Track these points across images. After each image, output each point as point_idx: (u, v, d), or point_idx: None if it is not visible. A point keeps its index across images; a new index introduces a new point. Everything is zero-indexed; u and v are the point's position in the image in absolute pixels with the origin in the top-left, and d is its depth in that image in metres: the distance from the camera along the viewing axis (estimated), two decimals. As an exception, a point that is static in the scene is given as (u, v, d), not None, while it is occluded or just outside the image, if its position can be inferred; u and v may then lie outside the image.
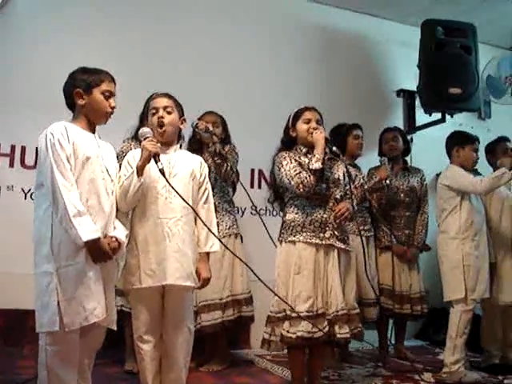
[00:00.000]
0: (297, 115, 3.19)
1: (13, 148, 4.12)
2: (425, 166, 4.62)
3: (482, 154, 4.22)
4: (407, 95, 5.58)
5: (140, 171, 2.58)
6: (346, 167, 3.20)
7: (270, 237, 3.41)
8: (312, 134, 3.08)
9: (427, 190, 4.42)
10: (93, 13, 4.39)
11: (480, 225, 3.83)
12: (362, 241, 3.48)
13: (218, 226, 3.13)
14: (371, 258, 4.09)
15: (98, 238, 2.34)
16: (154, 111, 2.81)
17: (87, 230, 2.30)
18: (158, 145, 2.64)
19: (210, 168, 3.46)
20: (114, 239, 2.46)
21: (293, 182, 2.99)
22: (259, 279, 2.80)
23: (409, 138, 4.96)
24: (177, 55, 4.59)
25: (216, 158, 3.58)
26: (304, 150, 3.15)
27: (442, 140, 4.08)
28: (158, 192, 2.68)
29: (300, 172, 2.99)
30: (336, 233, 3.05)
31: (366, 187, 3.98)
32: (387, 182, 4.03)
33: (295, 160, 3.09)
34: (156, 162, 2.59)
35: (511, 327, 4.07)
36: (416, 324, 4.96)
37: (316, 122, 3.13)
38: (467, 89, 4.74)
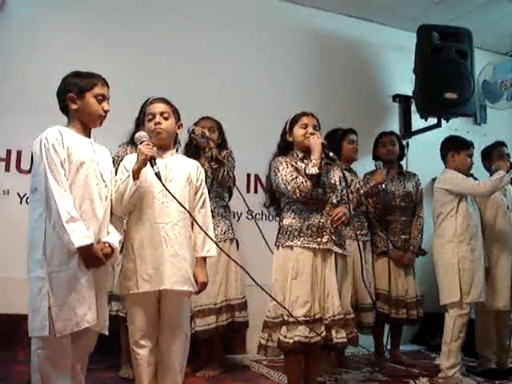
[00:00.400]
0: (294, 120, 3.20)
1: (8, 152, 4.12)
2: (420, 170, 4.62)
3: (477, 158, 4.24)
4: (403, 100, 5.60)
5: (136, 175, 2.58)
6: (343, 172, 3.21)
7: (266, 242, 3.41)
8: (309, 139, 3.08)
9: (422, 194, 4.43)
10: (91, 17, 4.39)
11: (475, 229, 3.84)
12: (358, 246, 3.48)
13: (213, 231, 3.13)
14: (368, 263, 4.09)
15: (91, 244, 2.34)
16: (150, 117, 2.81)
17: (80, 235, 2.29)
18: (155, 149, 2.64)
19: (206, 173, 3.47)
20: (107, 245, 2.46)
21: (289, 187, 2.99)
22: (257, 283, 2.78)
23: (405, 142, 5.00)
24: (174, 60, 4.59)
25: (212, 163, 3.58)
26: (300, 155, 3.15)
27: (437, 145, 4.08)
28: (155, 196, 2.68)
29: (296, 177, 2.99)
30: (333, 237, 3.05)
31: (361, 192, 3.98)
32: (383, 186, 4.04)
33: (292, 165, 3.09)
34: (152, 166, 2.58)
35: (505, 332, 4.07)
36: (412, 329, 4.96)
37: (313, 127, 3.14)
38: (463, 94, 4.76)
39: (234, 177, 3.78)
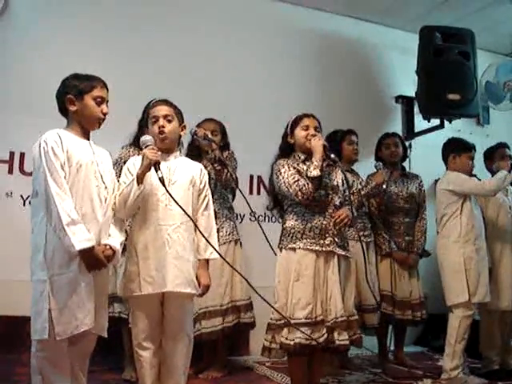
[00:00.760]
0: (295, 122, 3.19)
1: (12, 154, 4.13)
2: (423, 171, 4.62)
3: (480, 159, 4.24)
4: (406, 101, 5.60)
5: (140, 179, 2.58)
6: (344, 173, 3.21)
7: (269, 243, 3.41)
8: (310, 140, 3.08)
9: (425, 195, 4.42)
10: (93, 19, 4.41)
11: (480, 229, 3.85)
12: (362, 247, 3.48)
13: (218, 233, 3.13)
14: (372, 264, 4.09)
15: (92, 247, 2.35)
16: (154, 120, 2.81)
17: (81, 238, 2.30)
18: (159, 153, 2.64)
19: (209, 174, 3.47)
20: (108, 247, 2.46)
21: (291, 190, 2.99)
22: (254, 290, 2.83)
23: (407, 143, 4.98)
24: (176, 62, 4.60)
25: (216, 165, 3.58)
26: (302, 157, 3.14)
27: (440, 146, 4.09)
28: (159, 199, 2.68)
29: (298, 179, 2.99)
30: (336, 239, 3.04)
31: (362, 193, 3.98)
32: (384, 186, 4.03)
33: (293, 167, 3.08)
34: (156, 171, 2.58)
35: (509, 333, 4.07)
36: (415, 330, 4.95)
37: (314, 128, 3.13)
38: (466, 95, 4.75)
39: (236, 178, 3.78)
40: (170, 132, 2.78)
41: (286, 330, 2.98)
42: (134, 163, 2.72)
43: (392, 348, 4.32)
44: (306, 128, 3.13)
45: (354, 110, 5.14)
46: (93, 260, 2.36)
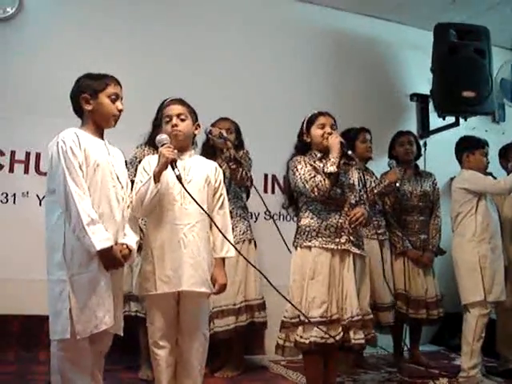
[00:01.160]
0: (311, 120, 3.19)
1: (28, 155, 4.16)
2: (439, 169, 4.59)
3: (496, 156, 4.21)
4: (420, 99, 5.56)
5: (157, 177, 2.58)
6: (362, 172, 3.20)
7: (285, 242, 3.41)
8: (327, 138, 3.08)
9: (439, 193, 4.40)
10: (105, 19, 4.43)
11: (495, 228, 3.81)
12: (379, 245, 3.46)
13: (232, 232, 3.12)
14: (386, 262, 4.07)
15: (111, 246, 2.35)
16: (167, 119, 2.81)
17: (101, 238, 2.30)
18: (175, 151, 2.64)
19: (224, 173, 3.47)
20: (124, 246, 2.47)
21: (307, 186, 2.99)
22: (273, 287, 2.77)
23: (422, 142, 4.97)
24: (190, 61, 4.61)
25: (231, 164, 3.57)
26: (319, 155, 3.14)
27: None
28: (174, 198, 2.68)
29: (315, 176, 2.99)
30: (351, 238, 3.03)
31: (375, 191, 3.97)
32: (397, 185, 4.01)
33: (310, 164, 3.08)
34: (173, 169, 2.58)
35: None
36: (431, 329, 4.92)
37: (330, 126, 3.13)
38: (481, 92, 4.72)
39: (251, 177, 3.78)
40: (183, 130, 2.78)
41: (300, 328, 2.98)
42: (150, 162, 2.73)
43: (408, 347, 4.29)
44: (322, 126, 3.13)
45: (368, 108, 5.12)
46: (111, 259, 2.37)
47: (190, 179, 2.72)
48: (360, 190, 3.19)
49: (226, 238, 2.73)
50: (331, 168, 2.95)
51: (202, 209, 2.64)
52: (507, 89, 5.66)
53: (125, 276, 2.72)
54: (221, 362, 3.82)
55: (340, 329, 2.96)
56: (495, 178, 3.99)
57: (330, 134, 3.09)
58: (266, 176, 4.82)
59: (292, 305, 2.97)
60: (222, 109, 4.02)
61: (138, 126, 3.55)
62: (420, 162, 4.55)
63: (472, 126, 5.22)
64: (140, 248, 2.74)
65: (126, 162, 2.83)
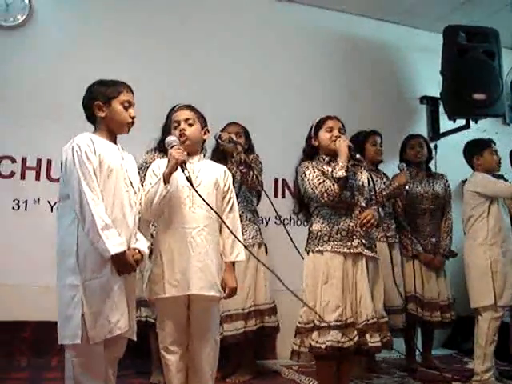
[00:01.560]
0: (319, 124, 3.19)
1: (39, 161, 4.18)
2: (449, 172, 4.57)
3: (507, 158, 4.18)
4: (431, 102, 5.55)
5: (167, 179, 2.58)
6: (370, 174, 3.19)
7: (295, 246, 3.39)
8: (335, 142, 3.07)
9: (451, 195, 4.38)
10: (116, 26, 4.46)
11: (507, 231, 3.80)
12: (388, 247, 3.45)
13: (242, 236, 3.12)
14: (396, 265, 4.05)
15: (124, 251, 2.36)
16: (175, 124, 2.81)
17: (115, 242, 2.31)
18: (185, 153, 2.65)
19: (234, 178, 3.47)
20: (136, 251, 2.47)
21: (317, 192, 2.98)
22: (288, 289, 2.73)
23: (433, 144, 4.95)
24: (199, 66, 4.62)
25: (241, 167, 3.57)
26: (327, 159, 3.14)
27: (466, 146, 4.05)
28: (182, 202, 2.68)
29: (324, 181, 2.99)
30: (363, 241, 3.03)
31: (384, 193, 3.95)
32: (407, 187, 3.99)
33: (318, 169, 3.08)
34: (183, 170, 2.58)
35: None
36: (444, 332, 4.89)
37: (338, 130, 3.13)
38: (491, 94, 4.69)
39: (261, 181, 3.78)
40: (191, 135, 2.78)
41: (316, 333, 2.97)
42: (159, 165, 2.73)
43: (420, 350, 4.27)
44: (330, 130, 3.13)
45: (378, 111, 5.11)
46: (124, 264, 2.37)
47: (199, 183, 2.71)
48: (370, 192, 3.18)
49: (237, 238, 2.73)
50: (340, 173, 2.95)
51: (213, 210, 2.64)
52: (518, 91, 5.64)
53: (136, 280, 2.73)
54: (232, 367, 3.82)
55: (355, 332, 2.95)
56: (507, 180, 3.96)
57: (337, 137, 3.09)
58: (276, 180, 4.82)
59: (308, 307, 2.97)
60: (233, 114, 4.01)
61: (148, 131, 3.55)
62: (431, 165, 4.53)
63: (482, 128, 5.19)
64: (151, 253, 2.75)
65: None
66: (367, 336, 2.96)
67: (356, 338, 2.93)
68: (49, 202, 4.12)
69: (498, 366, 3.95)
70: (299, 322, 3.06)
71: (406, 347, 4.27)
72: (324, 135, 3.14)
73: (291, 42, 5.04)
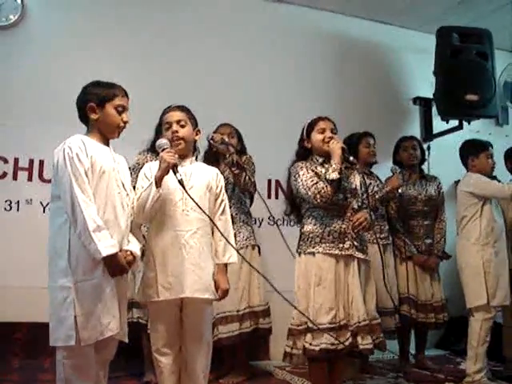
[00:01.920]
0: (310, 126, 3.19)
1: (31, 162, 4.16)
2: (443, 173, 4.58)
3: (500, 159, 4.19)
4: (423, 103, 5.55)
5: (159, 182, 2.57)
6: (363, 176, 3.19)
7: (288, 247, 3.39)
8: (328, 143, 3.07)
9: (444, 197, 4.39)
10: (107, 26, 4.45)
11: (500, 231, 3.80)
12: (379, 249, 3.45)
13: (235, 238, 3.11)
14: (389, 267, 4.06)
15: (116, 253, 2.35)
16: (167, 126, 2.81)
17: (106, 244, 2.30)
18: (176, 156, 2.64)
19: (227, 179, 3.47)
20: (128, 253, 2.46)
21: (310, 193, 2.98)
22: (278, 293, 2.76)
23: (426, 145, 4.95)
24: (191, 67, 4.61)
25: (234, 169, 3.56)
26: (320, 160, 3.13)
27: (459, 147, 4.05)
28: (175, 204, 2.68)
29: (317, 182, 2.98)
30: (355, 243, 3.03)
31: (377, 196, 3.95)
32: (400, 191, 3.99)
33: (312, 170, 3.08)
34: (175, 173, 2.58)
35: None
36: (437, 333, 4.90)
37: (331, 131, 3.13)
38: (484, 95, 4.70)
39: (254, 182, 3.78)
40: (184, 136, 2.78)
41: (309, 335, 2.97)
42: (151, 168, 2.73)
43: (413, 351, 4.27)
44: (322, 131, 3.12)
45: (371, 112, 5.12)
46: (116, 266, 2.36)
47: (192, 186, 2.71)
48: (362, 194, 3.18)
49: (229, 242, 2.73)
50: (333, 175, 2.94)
51: (205, 213, 2.64)
52: (510, 91, 5.65)
53: (128, 282, 2.72)
54: (226, 368, 3.81)
55: (348, 334, 2.96)
56: (499, 181, 3.97)
57: (330, 138, 3.08)
58: (269, 181, 4.81)
59: (300, 312, 2.96)
60: (223, 115, 4.02)
61: (141, 132, 3.53)
62: (424, 166, 4.54)
63: (475, 129, 5.20)
64: (143, 254, 2.74)
65: (128, 168, 2.83)
66: (359, 338, 2.96)
67: (349, 340, 2.93)
68: (41, 203, 4.11)
69: (490, 367, 3.96)
70: (291, 324, 3.06)
71: (399, 349, 4.27)
72: (316, 137, 3.14)
73: (283, 43, 5.03)
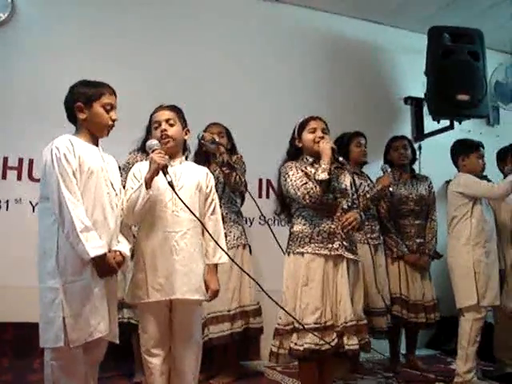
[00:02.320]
0: (302, 125, 3.17)
1: (20, 161, 4.13)
2: (434, 173, 4.59)
3: (491, 160, 4.20)
4: (415, 102, 5.56)
5: (148, 184, 2.56)
6: (353, 177, 3.19)
7: (280, 246, 3.38)
8: (318, 143, 3.06)
9: (435, 197, 4.39)
10: (99, 25, 4.41)
11: (490, 231, 3.81)
12: (370, 249, 3.45)
13: (225, 237, 3.10)
14: (381, 267, 4.06)
15: (105, 254, 2.34)
16: (156, 125, 2.81)
17: (95, 245, 2.29)
18: (166, 157, 2.63)
19: (218, 179, 3.46)
20: (118, 253, 2.46)
21: (299, 193, 2.97)
22: (265, 293, 2.77)
23: (417, 145, 4.97)
24: (182, 67, 4.59)
25: (224, 168, 3.55)
26: (310, 160, 3.12)
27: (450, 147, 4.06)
28: (165, 205, 2.67)
29: (306, 182, 2.97)
30: (344, 243, 3.02)
31: (368, 196, 3.95)
32: (390, 189, 3.99)
33: (301, 170, 3.06)
34: (165, 175, 2.57)
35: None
36: (428, 333, 4.90)
37: (322, 130, 3.11)
38: (475, 95, 4.71)
39: (245, 182, 3.77)
40: (173, 135, 2.77)
41: (295, 335, 2.96)
42: (140, 168, 2.71)
43: (404, 351, 4.28)
44: (313, 131, 3.11)
45: (362, 112, 5.11)
46: (105, 266, 2.36)
47: (182, 186, 2.70)
48: (353, 195, 3.17)
49: (217, 244, 2.72)
50: (322, 175, 2.93)
51: (194, 215, 2.63)
52: (501, 92, 5.67)
53: (118, 283, 2.70)
54: (216, 369, 3.80)
55: (334, 335, 2.94)
56: (490, 181, 3.98)
57: (321, 138, 3.07)
58: (260, 181, 4.81)
59: (285, 311, 2.95)
60: (213, 114, 4.01)
61: (131, 131, 3.52)
62: (415, 166, 4.54)
63: (466, 129, 5.21)
64: (133, 255, 2.72)
65: (119, 167, 2.82)
66: (344, 338, 2.94)
67: (335, 341, 2.92)
68: (30, 203, 4.08)
69: (481, 367, 3.97)
70: (278, 324, 3.05)
71: (390, 349, 4.27)
72: (307, 136, 3.13)
73: (275, 42, 5.03)
